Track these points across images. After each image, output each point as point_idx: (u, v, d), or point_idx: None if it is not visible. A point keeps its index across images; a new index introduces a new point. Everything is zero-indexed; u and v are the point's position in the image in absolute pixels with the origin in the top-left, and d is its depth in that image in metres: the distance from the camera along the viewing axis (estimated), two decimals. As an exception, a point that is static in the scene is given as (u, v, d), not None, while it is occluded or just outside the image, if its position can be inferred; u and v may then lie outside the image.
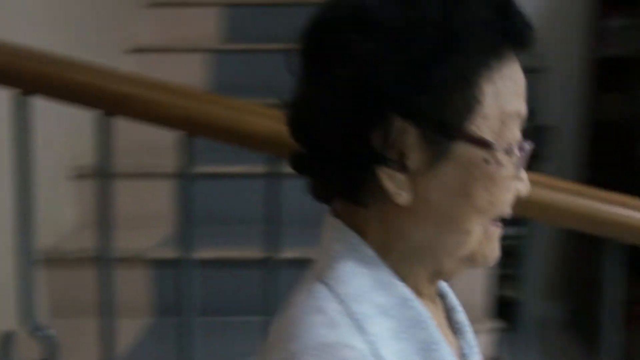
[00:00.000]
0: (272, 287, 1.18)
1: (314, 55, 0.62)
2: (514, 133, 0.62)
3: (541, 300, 3.65)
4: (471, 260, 0.64)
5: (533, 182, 0.99)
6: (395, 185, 0.59)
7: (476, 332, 1.67)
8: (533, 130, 3.65)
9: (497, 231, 0.64)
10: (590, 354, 3.16)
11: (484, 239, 0.63)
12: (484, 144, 0.59)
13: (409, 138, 0.57)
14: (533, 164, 2.68)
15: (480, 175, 0.60)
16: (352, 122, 0.58)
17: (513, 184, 0.62)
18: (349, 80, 0.57)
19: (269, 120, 1.13)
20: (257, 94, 2.13)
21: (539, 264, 3.70)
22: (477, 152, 0.59)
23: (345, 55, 0.57)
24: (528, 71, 2.53)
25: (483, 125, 0.59)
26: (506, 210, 0.63)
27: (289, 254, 1.45)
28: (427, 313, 0.63)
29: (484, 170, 0.60)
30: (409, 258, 0.63)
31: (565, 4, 3.82)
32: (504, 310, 3.53)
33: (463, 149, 0.59)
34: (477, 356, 0.73)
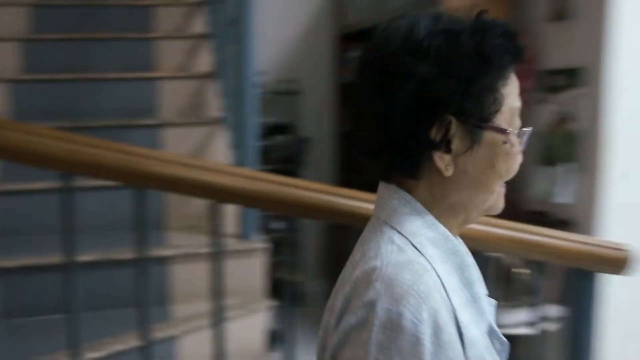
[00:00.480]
0: (72, 288, 1.27)
1: (381, 77, 0.81)
2: (517, 121, 0.83)
3: (313, 280, 4.31)
4: (488, 210, 0.87)
5: (294, 186, 1.29)
6: (444, 163, 0.80)
7: (256, 310, 1.92)
8: (294, 141, 4.35)
9: (503, 189, 0.86)
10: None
11: (498, 196, 0.86)
12: (503, 131, 0.81)
13: (455, 130, 0.79)
14: (295, 169, 3.54)
15: (501, 152, 0.82)
16: (417, 122, 0.79)
17: (519, 156, 0.84)
18: (414, 93, 0.78)
19: (59, 141, 1.22)
20: (54, 119, 2.42)
21: (309, 251, 4.40)
22: (499, 137, 0.81)
23: (408, 75, 0.78)
24: (288, 94, 3.45)
25: (501, 118, 0.81)
26: (513, 174, 0.85)
27: (85, 257, 1.69)
28: (460, 246, 0.86)
29: (503, 149, 0.82)
30: (446, 212, 0.85)
31: (315, 41, 4.49)
32: (282, 290, 4.24)
33: (490, 135, 0.81)
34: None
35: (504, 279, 2.76)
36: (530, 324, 2.29)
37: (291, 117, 4.38)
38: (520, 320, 2.65)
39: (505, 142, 0.82)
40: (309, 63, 4.45)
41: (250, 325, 2.00)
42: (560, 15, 2.72)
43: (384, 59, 0.81)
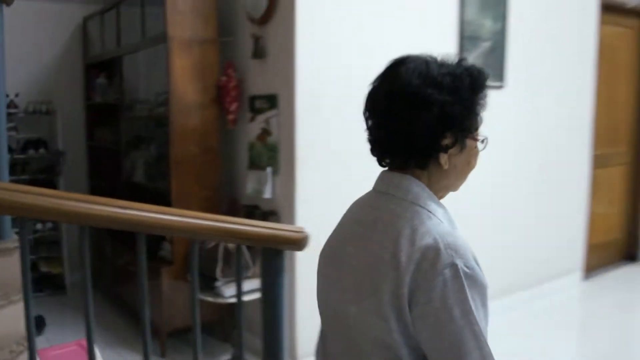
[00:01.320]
0: None
1: (409, 103, 1.13)
2: (481, 132, 1.22)
3: (72, 272, 4.74)
4: (457, 189, 1.26)
5: (41, 194, 1.54)
6: (444, 160, 1.17)
7: (17, 301, 2.30)
8: (51, 154, 4.71)
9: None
10: (111, 306, 4.40)
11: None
12: (477, 139, 1.21)
13: (455, 139, 1.17)
14: (52, 178, 4.12)
15: (474, 154, 1.21)
16: (437, 134, 1.15)
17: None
18: (436, 114, 1.12)
19: None
20: None
21: (68, 246, 4.75)
22: (474, 143, 1.21)
23: (433, 102, 1.12)
24: (45, 113, 4.07)
25: (477, 131, 1.21)
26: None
27: None
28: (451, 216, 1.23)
29: (475, 151, 1.22)
30: (438, 192, 1.22)
31: (68, 68, 5.03)
32: (44, 281, 4.56)
33: (471, 142, 1.20)
34: None
35: (227, 258, 3.41)
36: (246, 293, 2.90)
37: (48, 133, 4.78)
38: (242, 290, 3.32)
39: (477, 147, 1.21)
40: (64, 86, 5.03)
41: (12, 313, 2.21)
42: (259, 54, 3.39)
43: (409, 91, 1.13)
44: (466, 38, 3.91)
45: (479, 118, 1.21)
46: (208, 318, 3.54)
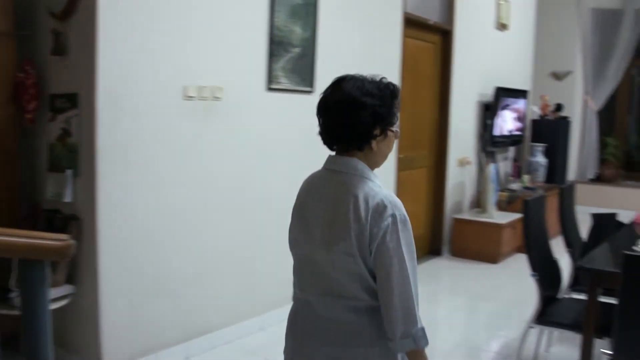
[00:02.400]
0: None
1: (351, 107, 1.66)
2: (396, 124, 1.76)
3: None
4: (380, 166, 1.80)
5: None
6: (375, 145, 1.70)
7: None
8: None
9: None
10: None
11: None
12: (394, 131, 1.75)
13: (382, 130, 1.70)
14: None
15: (392, 141, 1.76)
16: (371, 127, 1.68)
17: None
18: (370, 114, 1.66)
19: None
20: None
21: None
22: (392, 134, 1.75)
23: (367, 106, 1.66)
24: None
25: (394, 125, 1.74)
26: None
27: None
28: None
29: (393, 139, 1.76)
30: (371, 167, 1.74)
31: None
32: None
33: (390, 133, 1.74)
34: None
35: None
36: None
37: None
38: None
39: (394, 135, 1.75)
40: None
41: None
42: (60, 50, 3.25)
43: (351, 100, 1.66)
44: (276, 43, 4.01)
45: (395, 116, 1.74)
46: (8, 331, 3.31)
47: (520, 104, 7.44)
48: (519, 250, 6.47)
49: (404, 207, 1.68)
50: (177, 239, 3.56)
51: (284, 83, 4.13)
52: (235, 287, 3.97)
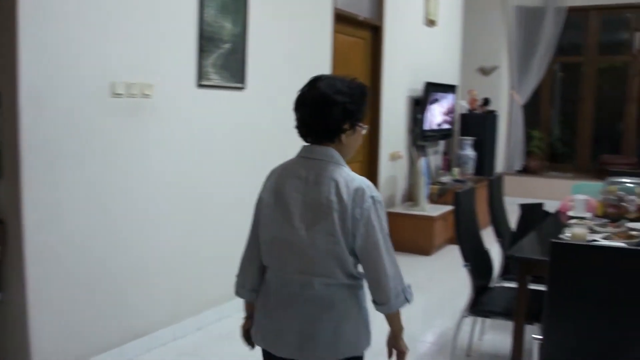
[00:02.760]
0: None
1: (325, 104, 1.85)
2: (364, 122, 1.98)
3: None
4: (349, 157, 1.96)
5: None
6: (345, 138, 1.91)
7: None
8: None
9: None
10: None
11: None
12: (362, 127, 1.96)
13: (351, 125, 1.90)
14: None
15: (360, 135, 1.96)
16: (341, 122, 1.88)
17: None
18: (341, 111, 1.86)
19: None
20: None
21: None
22: (361, 128, 1.95)
23: (338, 103, 1.85)
24: None
25: (362, 121, 1.95)
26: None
27: None
28: None
29: (361, 134, 1.96)
30: (344, 158, 1.93)
31: None
32: None
33: (359, 128, 1.95)
34: None
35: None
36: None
37: None
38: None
39: (362, 130, 1.95)
40: None
41: None
42: None
43: (324, 98, 1.85)
44: (206, 39, 3.95)
45: (364, 114, 1.93)
46: None
47: (449, 98, 7.60)
48: (450, 241, 6.61)
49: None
50: (109, 240, 3.46)
51: (215, 79, 4.08)
52: (171, 287, 3.90)
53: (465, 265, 3.39)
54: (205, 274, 4.12)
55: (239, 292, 2.10)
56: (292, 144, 4.87)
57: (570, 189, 8.57)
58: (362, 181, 1.87)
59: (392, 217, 6.36)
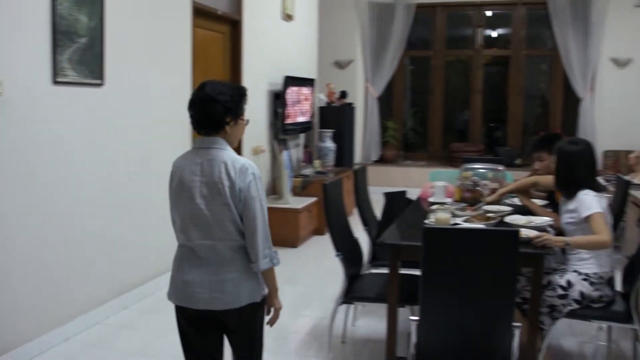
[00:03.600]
0: None
1: (210, 103, 2.28)
2: (245, 115, 2.41)
3: None
4: (234, 146, 2.39)
5: None
6: (228, 130, 2.33)
7: None
8: None
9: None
10: None
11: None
12: (243, 120, 2.40)
13: (232, 119, 2.33)
14: None
15: (242, 126, 2.40)
16: (224, 116, 2.30)
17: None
18: (222, 108, 2.29)
19: None
20: None
21: None
22: (243, 121, 2.40)
23: (220, 102, 2.28)
24: None
25: (244, 111, 2.39)
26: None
27: None
28: None
29: (243, 125, 2.41)
30: (230, 145, 2.36)
31: None
32: None
33: (241, 121, 2.38)
34: None
35: None
36: None
37: None
38: None
39: (243, 122, 2.39)
40: None
41: None
42: None
43: (209, 98, 2.28)
44: (60, 33, 3.74)
45: (243, 110, 2.39)
46: None
47: (308, 92, 7.72)
48: (316, 232, 6.74)
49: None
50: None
51: (72, 76, 3.87)
52: (36, 297, 3.66)
53: (338, 255, 3.48)
54: (72, 281, 3.92)
55: None
56: (155, 139, 4.80)
57: (427, 176, 9.10)
58: (245, 161, 2.32)
59: (258, 211, 6.39)
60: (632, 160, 5.63)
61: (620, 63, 8.75)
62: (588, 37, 8.73)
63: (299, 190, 6.92)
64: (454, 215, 3.56)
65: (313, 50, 8.58)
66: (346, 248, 3.62)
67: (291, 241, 6.35)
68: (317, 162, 7.70)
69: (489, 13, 9.71)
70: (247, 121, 2.44)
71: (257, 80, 6.64)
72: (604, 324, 3.57)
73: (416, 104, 10.23)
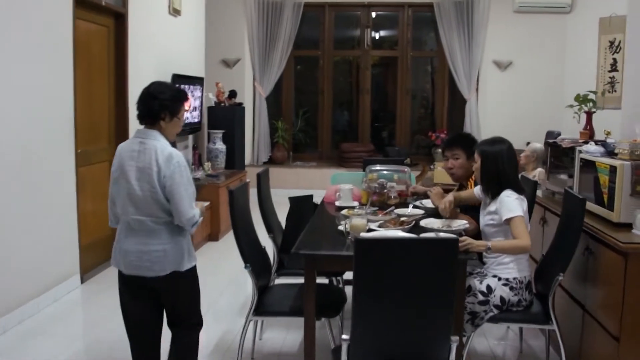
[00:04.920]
0: None
1: (151, 97, 2.75)
2: (184, 114, 2.86)
3: None
4: (173, 139, 2.87)
5: None
6: (164, 124, 2.77)
7: None
8: None
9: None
10: None
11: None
12: (179, 118, 2.83)
13: (169, 115, 2.76)
14: None
15: (177, 124, 2.83)
16: (159, 113, 2.74)
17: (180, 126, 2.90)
18: (161, 104, 2.74)
19: None
20: None
21: None
22: (178, 120, 2.83)
23: (158, 99, 2.74)
24: None
25: (180, 114, 2.82)
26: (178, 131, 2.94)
27: None
28: None
29: (179, 123, 2.84)
30: (167, 137, 2.78)
31: None
32: None
33: (176, 119, 2.81)
34: None
35: None
36: None
37: None
38: None
39: (179, 120, 2.84)
40: None
41: None
42: None
43: (151, 95, 2.77)
44: None
45: (179, 110, 2.83)
46: None
47: (196, 91, 7.37)
48: (210, 238, 6.43)
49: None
50: None
51: None
52: None
53: (247, 267, 3.23)
54: None
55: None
56: (32, 139, 4.30)
57: (320, 177, 9.03)
58: (172, 150, 2.74)
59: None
60: (522, 160, 5.75)
61: (502, 65, 9.06)
62: (472, 40, 8.99)
63: (191, 195, 6.56)
64: (367, 220, 3.41)
65: (201, 48, 8.20)
66: (255, 259, 3.39)
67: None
68: (207, 165, 7.37)
69: (376, 13, 9.75)
70: (183, 121, 2.92)
71: (144, 77, 6.20)
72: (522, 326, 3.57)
73: (305, 104, 10.09)
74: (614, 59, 8.21)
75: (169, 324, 2.95)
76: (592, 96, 4.35)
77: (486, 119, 9.10)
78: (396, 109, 9.75)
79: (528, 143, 8.33)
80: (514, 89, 9.06)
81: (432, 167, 8.32)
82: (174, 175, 2.66)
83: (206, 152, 7.81)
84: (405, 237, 3.02)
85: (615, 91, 8.25)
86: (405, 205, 4.04)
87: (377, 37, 9.98)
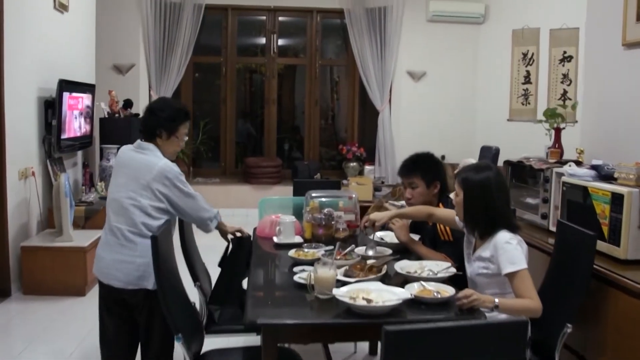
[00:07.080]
0: None
1: (147, 115, 3.06)
2: (183, 134, 3.11)
3: None
4: (172, 157, 3.13)
5: None
6: (160, 141, 3.01)
7: None
8: None
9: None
10: None
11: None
12: (178, 137, 3.07)
13: (165, 133, 3.01)
14: None
15: (175, 143, 3.07)
16: (156, 129, 3.00)
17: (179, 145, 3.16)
18: (160, 122, 2.99)
19: None
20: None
21: None
22: (177, 139, 3.07)
23: (155, 116, 3.01)
24: None
25: (179, 132, 3.06)
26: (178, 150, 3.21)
27: None
28: None
29: (177, 143, 3.09)
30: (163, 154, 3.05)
31: None
32: None
33: (175, 138, 3.05)
34: None
35: None
36: None
37: None
38: None
39: (178, 139, 3.05)
40: None
41: None
42: None
43: (150, 110, 3.04)
44: None
45: (178, 129, 3.02)
46: None
47: (87, 100, 6.39)
48: (69, 292, 5.41)
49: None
50: None
51: None
52: None
53: (178, 339, 2.45)
54: None
55: None
56: None
57: (233, 196, 8.22)
58: (165, 163, 2.88)
59: (28, 252, 5.06)
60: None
61: (415, 76, 8.66)
62: (385, 49, 8.52)
63: (82, 222, 5.59)
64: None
65: (91, 51, 7.15)
66: (185, 323, 2.61)
67: (77, 289, 5.05)
68: (100, 185, 6.39)
69: (283, 19, 9.07)
70: (183, 140, 3.09)
71: (23, 83, 5.23)
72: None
73: (206, 115, 9.22)
74: (527, 71, 8.06)
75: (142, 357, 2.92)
76: (560, 110, 3.90)
77: (399, 131, 8.66)
78: (304, 121, 9.12)
79: (443, 157, 7.98)
80: (427, 100, 8.69)
81: (345, 182, 7.78)
82: (177, 186, 2.88)
83: (98, 171, 6.80)
84: (461, 324, 2.22)
85: (529, 103, 8.09)
86: (354, 238, 3.41)
87: (283, 44, 9.30)
